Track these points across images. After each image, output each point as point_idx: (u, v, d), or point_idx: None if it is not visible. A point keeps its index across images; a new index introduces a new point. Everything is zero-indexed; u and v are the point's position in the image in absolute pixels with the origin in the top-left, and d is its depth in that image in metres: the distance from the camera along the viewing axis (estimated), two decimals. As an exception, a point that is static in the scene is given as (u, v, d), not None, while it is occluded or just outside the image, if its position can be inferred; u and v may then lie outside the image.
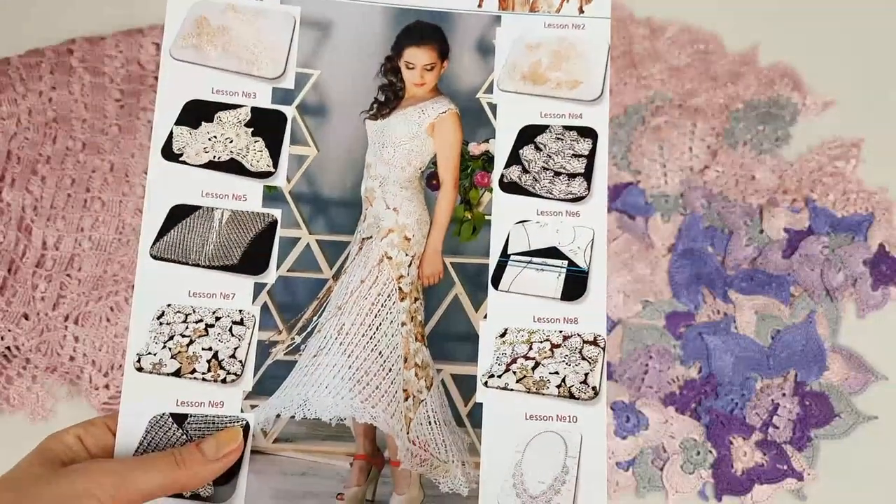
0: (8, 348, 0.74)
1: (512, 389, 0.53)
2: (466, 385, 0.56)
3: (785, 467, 0.71)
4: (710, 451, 0.72)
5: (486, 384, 0.53)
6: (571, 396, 0.53)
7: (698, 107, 0.85)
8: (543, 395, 0.53)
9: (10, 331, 0.74)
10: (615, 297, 0.78)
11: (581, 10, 0.58)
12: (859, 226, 0.79)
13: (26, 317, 0.75)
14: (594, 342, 0.54)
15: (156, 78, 0.70)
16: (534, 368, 0.53)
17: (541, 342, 0.54)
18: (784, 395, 0.73)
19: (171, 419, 0.52)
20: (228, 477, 0.51)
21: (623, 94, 0.86)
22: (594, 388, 0.53)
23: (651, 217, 0.81)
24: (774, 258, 0.78)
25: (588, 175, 0.56)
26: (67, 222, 0.78)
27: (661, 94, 0.86)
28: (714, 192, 0.82)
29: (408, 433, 0.55)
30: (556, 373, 0.53)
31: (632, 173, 0.83)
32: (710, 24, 0.89)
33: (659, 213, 0.81)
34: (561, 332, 0.54)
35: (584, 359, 0.53)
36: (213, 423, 0.53)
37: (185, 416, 0.53)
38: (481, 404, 0.53)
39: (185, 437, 0.52)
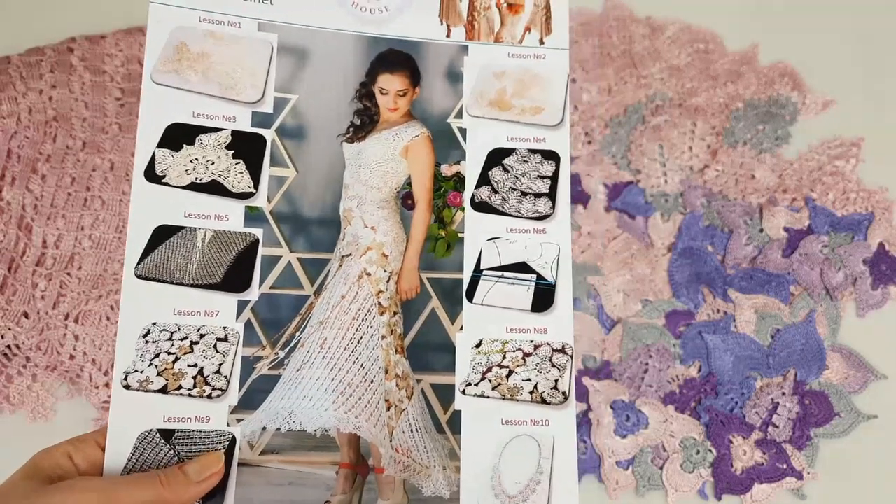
0: (8, 347, 0.74)
1: (488, 397, 0.56)
2: (445, 394, 0.58)
3: (784, 466, 0.71)
4: (710, 450, 0.72)
5: (463, 392, 0.56)
6: (543, 401, 0.56)
7: (698, 106, 0.85)
8: (517, 401, 0.56)
9: (10, 329, 0.74)
10: (615, 297, 0.78)
11: (542, 42, 0.62)
12: (859, 225, 0.79)
13: (26, 315, 0.75)
14: (563, 350, 0.57)
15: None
16: (508, 376, 0.56)
17: (513, 351, 0.57)
18: (784, 394, 0.73)
19: (158, 435, 0.53)
20: (216, 492, 0.52)
21: (623, 94, 0.86)
22: (564, 393, 0.56)
23: (651, 216, 0.81)
24: (774, 257, 0.78)
25: (552, 195, 0.60)
26: (67, 221, 0.78)
27: (661, 94, 0.86)
28: (714, 192, 0.82)
29: (391, 441, 0.58)
30: (529, 380, 0.56)
31: (632, 172, 0.83)
32: (710, 24, 0.89)
33: (659, 212, 0.81)
34: (532, 341, 0.57)
35: (553, 366, 0.57)
36: (200, 438, 0.54)
37: (173, 431, 0.53)
38: (460, 411, 0.56)
39: (172, 452, 0.53)
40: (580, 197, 0.82)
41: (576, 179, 0.83)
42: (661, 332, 0.77)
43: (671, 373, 0.75)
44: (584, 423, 0.73)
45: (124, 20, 0.86)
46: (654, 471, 0.72)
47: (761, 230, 0.79)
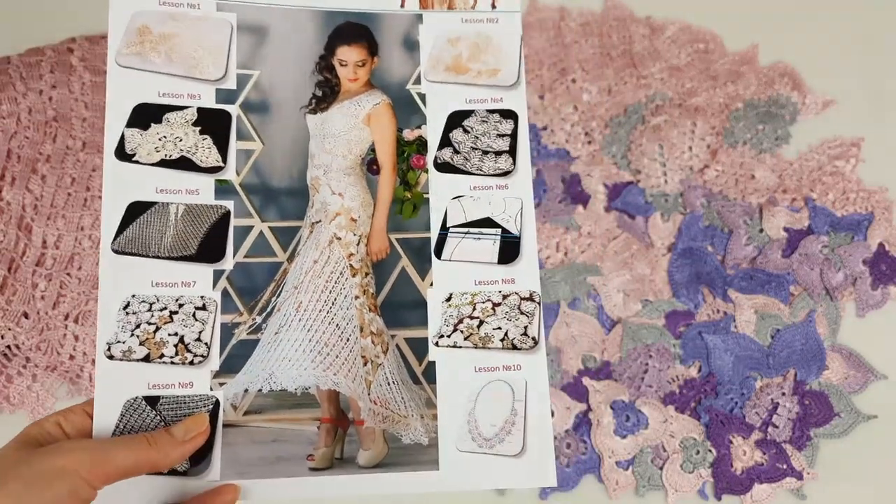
0: (8, 347, 0.74)
1: (461, 347, 0.59)
2: (419, 347, 0.61)
3: (784, 466, 0.71)
4: (710, 451, 0.72)
5: (437, 344, 0.59)
6: (514, 348, 0.59)
7: (698, 106, 0.85)
8: (489, 349, 0.59)
9: (10, 329, 0.74)
10: (615, 297, 0.78)
11: (493, 6, 0.65)
12: (859, 225, 0.79)
13: (26, 315, 0.75)
14: (530, 298, 0.60)
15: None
16: (479, 326, 0.59)
17: (483, 302, 0.60)
18: (784, 394, 0.73)
19: (144, 402, 0.55)
20: (203, 453, 0.55)
21: (623, 94, 0.86)
22: (534, 339, 0.59)
23: (651, 216, 0.81)
24: (774, 257, 0.78)
25: (513, 152, 0.62)
26: (67, 221, 0.78)
27: (661, 94, 0.86)
28: (714, 192, 0.82)
29: (369, 394, 0.61)
30: (499, 328, 0.59)
31: (632, 172, 0.83)
32: (710, 24, 0.89)
33: (659, 212, 0.81)
34: (500, 291, 0.60)
35: (522, 313, 0.59)
36: (185, 403, 0.56)
37: (158, 398, 0.56)
38: (434, 362, 0.59)
39: (158, 417, 0.55)
40: (580, 197, 0.82)
41: (576, 179, 0.83)
42: (661, 333, 0.76)
43: (671, 373, 0.75)
44: (584, 423, 0.73)
45: (124, 20, 0.86)
46: (654, 471, 0.72)
47: (761, 230, 0.79)
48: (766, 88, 0.86)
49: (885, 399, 0.74)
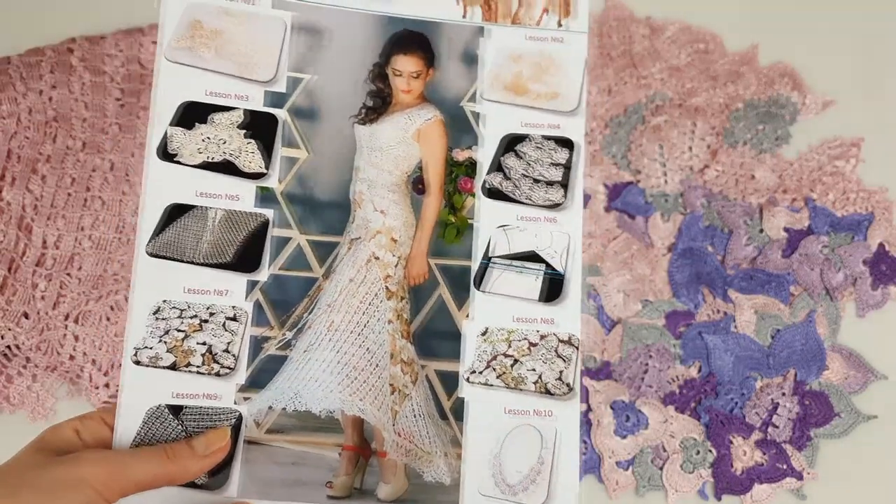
0: (8, 347, 0.74)
1: (492, 385, 0.56)
2: (450, 381, 0.58)
3: (784, 467, 0.71)
4: (710, 451, 0.72)
5: (468, 380, 0.56)
6: (548, 392, 0.56)
7: (698, 106, 0.85)
8: (521, 390, 0.56)
9: (10, 330, 0.74)
10: (615, 297, 0.78)
11: (560, 24, 0.61)
12: (859, 225, 0.79)
13: (26, 316, 0.75)
14: (569, 342, 0.57)
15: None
16: (512, 365, 0.56)
17: (519, 341, 0.57)
18: (784, 394, 0.73)
19: (167, 410, 0.54)
20: (222, 467, 0.53)
21: (623, 94, 0.86)
22: (569, 385, 0.56)
23: (651, 216, 0.81)
24: (774, 257, 0.78)
25: (565, 183, 0.59)
26: (67, 221, 0.78)
27: (661, 94, 0.86)
28: (714, 192, 0.82)
29: (394, 425, 0.58)
30: (534, 370, 0.56)
31: (632, 173, 0.83)
32: (710, 24, 0.89)
33: (659, 212, 0.81)
34: (538, 331, 0.57)
35: (559, 357, 0.57)
36: (208, 415, 0.55)
37: (181, 407, 0.54)
38: (464, 399, 0.56)
39: (181, 427, 0.54)
40: (580, 197, 0.82)
41: (576, 180, 0.83)
42: (661, 333, 0.76)
43: (671, 373, 0.75)
44: (584, 423, 0.73)
45: (124, 20, 0.86)
46: (654, 471, 0.72)
47: (761, 230, 0.79)
48: (766, 88, 0.86)
49: (885, 399, 0.74)
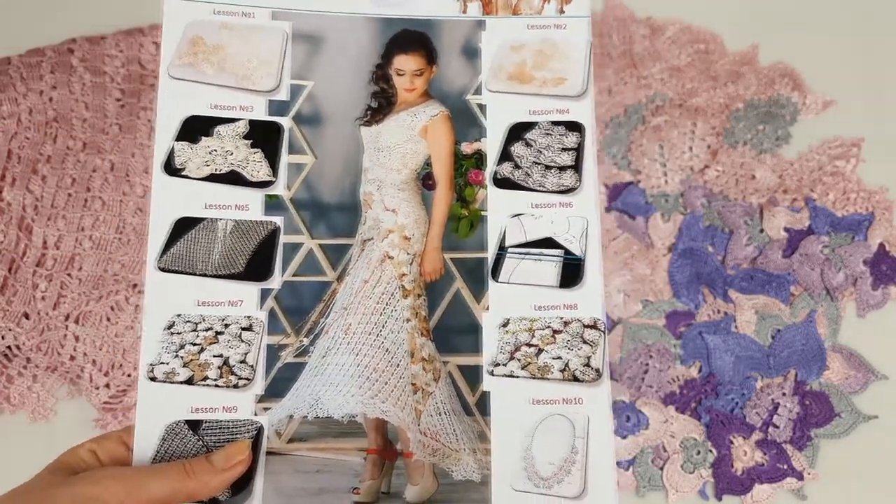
0: (9, 347, 0.74)
1: (517, 376, 0.55)
2: (473, 375, 0.57)
3: (785, 467, 0.71)
4: (711, 451, 0.72)
5: (491, 373, 0.55)
6: (575, 379, 0.55)
7: (698, 106, 0.85)
8: (548, 379, 0.55)
9: (10, 330, 0.74)
10: (615, 297, 0.78)
11: (561, 11, 0.61)
12: (859, 225, 0.79)
13: (27, 316, 0.75)
14: (594, 326, 0.56)
15: (156, 77, 0.71)
16: (537, 355, 0.55)
17: (542, 329, 0.56)
18: (784, 394, 0.73)
19: (186, 426, 0.53)
20: (245, 481, 0.52)
21: (623, 94, 0.86)
22: (597, 370, 0.55)
23: (651, 217, 0.81)
24: (774, 258, 0.78)
25: (578, 167, 0.58)
26: (68, 222, 0.78)
27: (661, 94, 0.86)
28: (714, 192, 0.82)
29: (418, 425, 0.57)
30: (559, 357, 0.55)
31: (632, 173, 0.83)
32: (710, 24, 0.89)
33: (659, 212, 0.81)
34: (561, 318, 0.56)
35: (585, 342, 0.56)
36: (228, 428, 0.54)
37: (200, 422, 0.54)
38: (488, 392, 0.55)
39: (200, 443, 0.53)
40: (580, 197, 0.82)
41: (576, 180, 0.83)
42: (662, 333, 0.76)
43: (671, 373, 0.75)
44: (584, 423, 0.73)
45: (124, 21, 0.86)
46: (654, 471, 0.72)
47: (762, 230, 0.79)
48: (766, 89, 0.86)
49: (885, 399, 0.74)
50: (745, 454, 0.72)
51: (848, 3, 0.89)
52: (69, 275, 0.76)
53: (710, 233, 0.80)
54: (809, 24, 0.88)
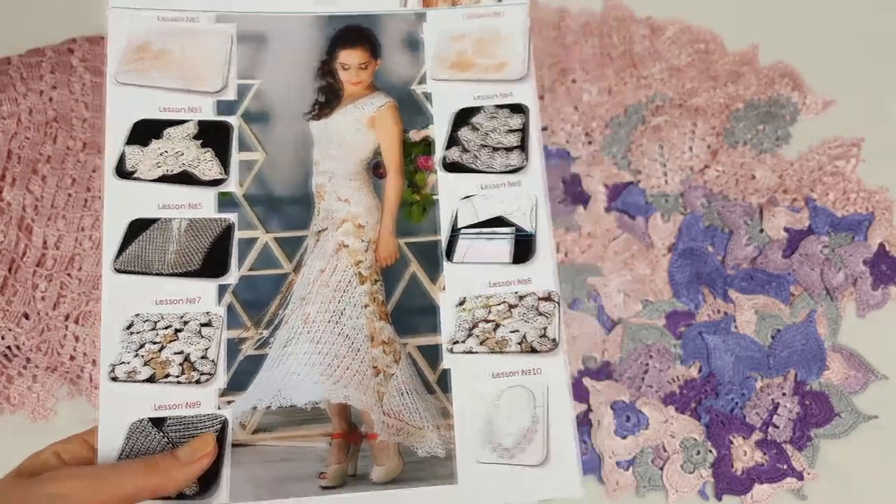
0: (8, 348, 0.74)
1: (476, 352, 0.57)
2: (432, 354, 0.59)
3: (785, 467, 0.71)
4: (710, 451, 0.72)
5: (451, 351, 0.57)
6: (533, 350, 0.56)
7: (698, 106, 0.85)
8: (506, 353, 0.57)
9: (10, 330, 0.74)
10: (615, 297, 0.78)
11: (499, 0, 0.64)
12: (859, 225, 0.79)
13: (27, 316, 0.75)
14: (549, 298, 0.58)
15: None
16: (494, 329, 0.57)
17: (498, 304, 0.58)
18: (784, 394, 0.73)
19: (150, 423, 0.54)
20: (212, 475, 0.53)
21: (623, 94, 0.86)
22: (553, 340, 0.57)
23: (651, 217, 0.81)
24: (774, 257, 0.78)
25: (524, 147, 0.61)
26: (68, 222, 0.78)
27: (661, 94, 0.86)
28: (714, 192, 0.82)
29: (381, 406, 0.58)
30: (516, 331, 0.57)
31: (632, 173, 0.83)
32: (710, 24, 0.89)
33: (659, 212, 0.81)
34: (516, 292, 0.58)
35: (540, 314, 0.57)
36: (192, 424, 0.54)
37: (164, 419, 0.54)
38: (448, 370, 0.57)
39: (165, 439, 0.53)
40: (580, 197, 0.82)
41: (576, 180, 0.83)
42: (662, 333, 0.76)
43: (671, 373, 0.75)
44: (584, 423, 0.73)
45: (124, 21, 0.86)
46: (654, 471, 0.72)
47: (761, 230, 0.79)
48: (766, 89, 0.86)
49: (885, 399, 0.74)
50: (745, 454, 0.72)
51: (848, 3, 0.89)
52: (69, 275, 0.77)
53: (710, 233, 0.80)
54: (809, 24, 0.88)
